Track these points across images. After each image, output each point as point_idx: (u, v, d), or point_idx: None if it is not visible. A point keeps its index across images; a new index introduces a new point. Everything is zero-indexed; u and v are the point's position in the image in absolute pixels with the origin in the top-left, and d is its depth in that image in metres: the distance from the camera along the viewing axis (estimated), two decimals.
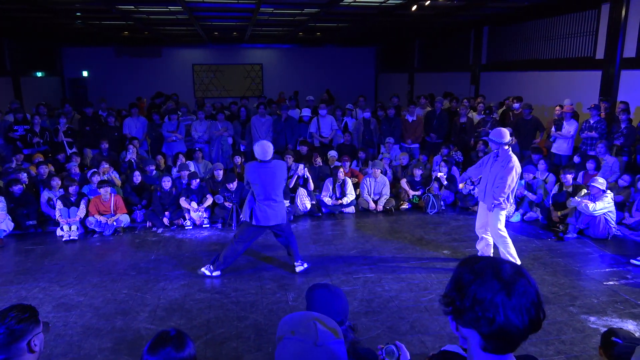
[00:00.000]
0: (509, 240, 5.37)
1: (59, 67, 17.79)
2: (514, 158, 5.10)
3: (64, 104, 10.66)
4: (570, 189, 6.88)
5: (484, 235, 5.56)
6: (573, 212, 6.55)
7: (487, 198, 5.30)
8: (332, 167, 8.49)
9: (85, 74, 18.25)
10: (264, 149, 5.02)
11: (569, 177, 6.91)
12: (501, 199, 5.13)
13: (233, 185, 7.17)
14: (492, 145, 5.19)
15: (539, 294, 1.11)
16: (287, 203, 7.40)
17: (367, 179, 8.07)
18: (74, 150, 9.22)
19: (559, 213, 6.90)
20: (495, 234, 5.35)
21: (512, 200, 5.31)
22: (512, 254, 5.33)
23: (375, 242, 6.48)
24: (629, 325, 4.18)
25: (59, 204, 6.83)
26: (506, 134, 5.08)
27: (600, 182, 6.37)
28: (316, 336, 1.20)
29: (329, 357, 1.19)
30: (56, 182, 7.23)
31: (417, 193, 8.11)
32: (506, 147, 5.11)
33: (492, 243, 5.56)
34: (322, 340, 1.20)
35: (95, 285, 5.16)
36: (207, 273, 5.33)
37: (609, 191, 6.45)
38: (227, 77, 19.43)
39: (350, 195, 7.82)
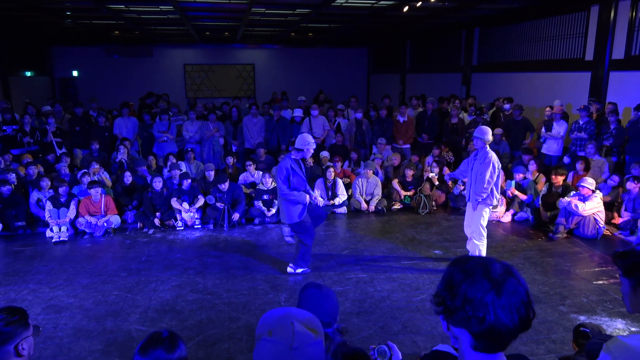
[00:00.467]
0: (485, 240, 5.42)
1: (48, 66, 17.61)
2: (491, 153, 5.19)
3: (54, 104, 10.55)
4: (559, 190, 6.94)
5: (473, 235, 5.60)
6: (563, 212, 6.60)
7: (472, 198, 5.38)
8: (324, 167, 8.49)
9: (75, 73, 18.10)
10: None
11: (560, 178, 6.96)
12: (484, 195, 5.19)
13: (225, 186, 7.15)
14: (475, 142, 5.27)
15: (529, 293, 1.12)
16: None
17: (359, 179, 8.08)
18: (64, 150, 9.13)
19: (548, 213, 6.96)
20: (477, 230, 5.40)
21: (498, 196, 5.35)
22: (482, 253, 5.41)
23: (367, 243, 6.49)
24: (618, 324, 4.22)
25: (48, 205, 6.77)
26: (489, 131, 5.20)
27: (590, 183, 6.43)
28: (292, 338, 1.19)
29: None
30: (46, 182, 7.16)
31: (408, 193, 8.13)
32: (486, 144, 5.21)
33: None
34: (298, 342, 1.19)
35: (86, 287, 5.12)
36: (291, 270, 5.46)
37: (598, 191, 6.51)
38: (219, 78, 19.36)
39: (342, 195, 7.83)
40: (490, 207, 5.44)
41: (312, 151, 5.20)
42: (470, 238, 5.61)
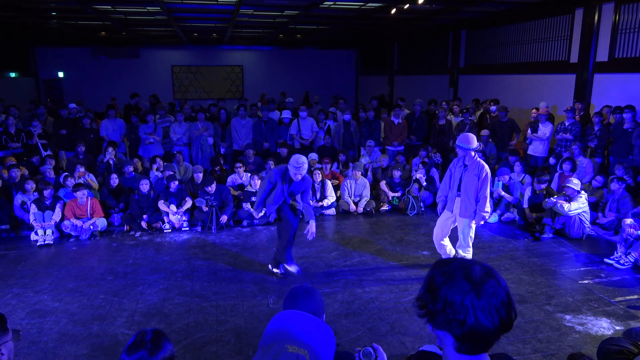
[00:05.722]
0: (471, 249, 5.39)
1: (33, 67, 17.39)
2: (484, 164, 5.01)
3: (38, 105, 10.41)
4: (544, 192, 7.03)
5: (442, 243, 5.47)
6: (549, 212, 6.67)
7: (465, 211, 5.13)
8: (312, 169, 8.49)
9: (61, 74, 17.89)
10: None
11: (542, 186, 7.01)
12: (486, 214, 5.10)
13: (212, 188, 7.11)
14: (459, 151, 5.06)
15: (509, 294, 1.12)
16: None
17: (348, 180, 8.09)
18: (49, 152, 9.01)
19: (534, 214, 7.03)
20: (467, 239, 5.29)
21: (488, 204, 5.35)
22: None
23: (355, 244, 6.50)
24: (603, 323, 4.28)
25: (33, 208, 6.67)
26: (473, 139, 4.96)
27: (575, 183, 6.52)
28: None
29: None
30: (30, 185, 7.05)
31: (396, 194, 8.16)
32: (473, 153, 5.02)
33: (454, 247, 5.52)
34: None
35: (71, 291, 5.05)
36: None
37: (583, 192, 6.60)
38: (207, 79, 19.29)
39: (331, 197, 7.83)
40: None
41: (299, 175, 4.85)
42: (441, 245, 5.49)
